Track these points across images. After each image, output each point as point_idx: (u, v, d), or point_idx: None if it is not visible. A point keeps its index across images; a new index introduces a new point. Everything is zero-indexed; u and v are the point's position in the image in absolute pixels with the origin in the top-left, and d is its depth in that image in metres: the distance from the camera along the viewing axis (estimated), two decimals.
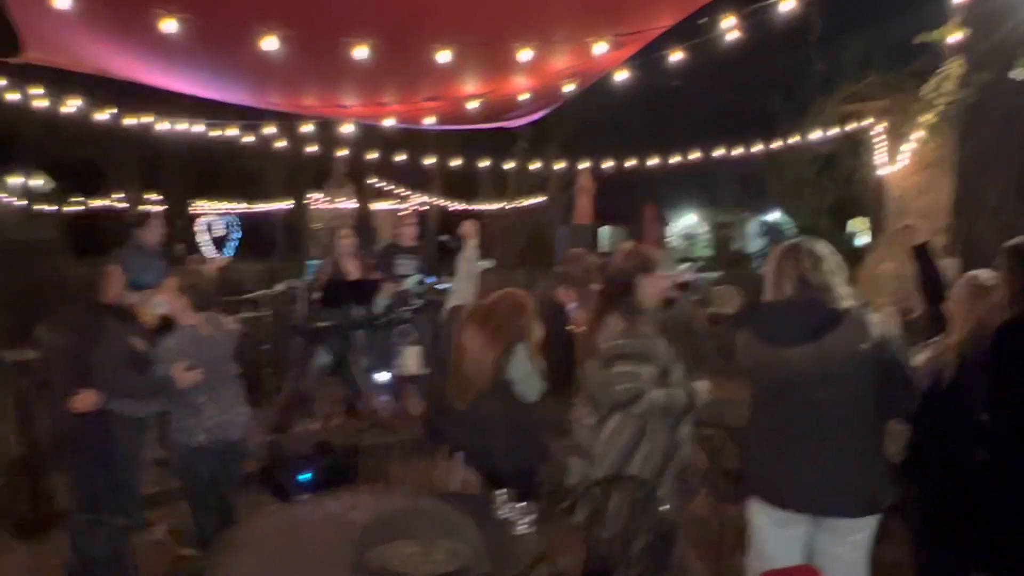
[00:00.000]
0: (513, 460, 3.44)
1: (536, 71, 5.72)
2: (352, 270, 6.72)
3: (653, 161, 11.32)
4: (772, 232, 17.73)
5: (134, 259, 4.92)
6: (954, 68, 5.65)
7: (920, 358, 3.78)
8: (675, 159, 11.42)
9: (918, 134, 7.26)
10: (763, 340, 2.73)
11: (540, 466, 3.43)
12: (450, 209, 19.73)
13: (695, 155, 11.31)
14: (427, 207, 19.73)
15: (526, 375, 3.42)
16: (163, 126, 7.36)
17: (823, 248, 2.77)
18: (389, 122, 6.87)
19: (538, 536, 2.74)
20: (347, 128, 6.83)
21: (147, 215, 5.86)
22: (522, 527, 2.72)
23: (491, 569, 2.42)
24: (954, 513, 3.03)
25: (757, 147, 11.25)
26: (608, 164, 11.02)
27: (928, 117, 6.51)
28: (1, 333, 4.37)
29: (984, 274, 3.28)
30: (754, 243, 17.35)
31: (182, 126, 7.42)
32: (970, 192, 5.09)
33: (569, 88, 6.10)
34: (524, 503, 2.81)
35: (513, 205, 15.38)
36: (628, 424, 3.04)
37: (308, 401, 6.86)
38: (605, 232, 23.97)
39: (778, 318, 2.76)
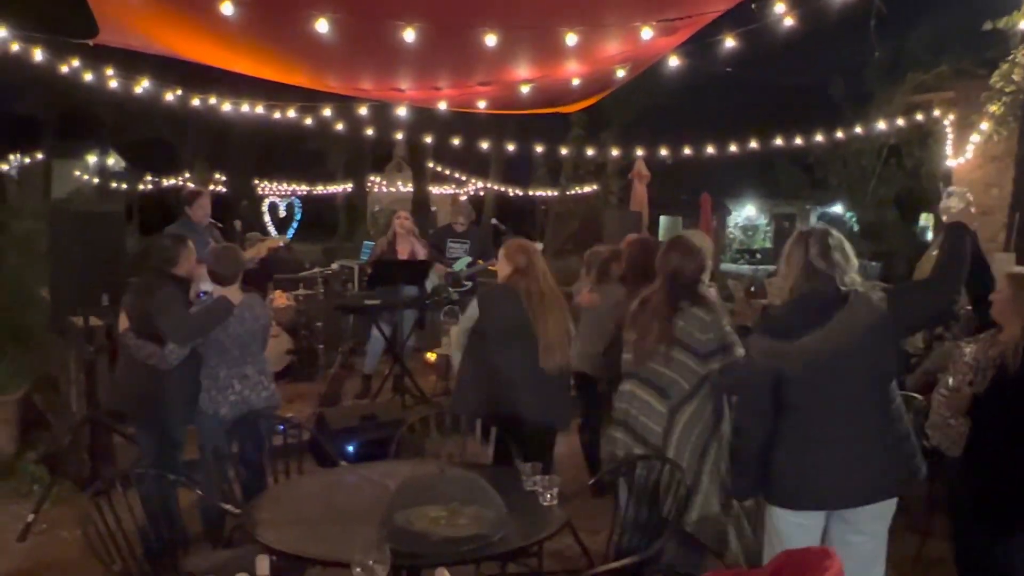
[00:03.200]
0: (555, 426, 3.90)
1: (587, 56, 5.73)
2: (404, 251, 6.87)
3: (710, 149, 11.19)
4: (834, 224, 17.28)
5: (186, 233, 5.16)
6: (1023, 56, 5.46)
7: (969, 350, 3.71)
8: (733, 148, 11.28)
9: (984, 125, 7.03)
10: (772, 338, 2.74)
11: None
12: (508, 194, 19.84)
13: (754, 144, 11.15)
14: (484, 192, 19.88)
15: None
16: (227, 108, 7.62)
17: (832, 235, 2.76)
18: (443, 106, 6.97)
19: (563, 508, 2.81)
20: (402, 111, 6.96)
21: (197, 193, 6.14)
22: (547, 498, 2.79)
23: (515, 536, 2.51)
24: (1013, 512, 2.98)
25: (819, 136, 11.03)
26: (664, 152, 10.93)
27: (995, 107, 6.30)
28: (68, 300, 4.60)
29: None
30: None
31: (245, 107, 7.66)
32: None
33: (621, 73, 6.09)
34: (551, 476, 2.89)
35: (568, 191, 15.42)
36: (701, 415, 3.16)
37: (358, 376, 7.06)
38: (664, 221, 23.75)
39: (785, 313, 2.80)
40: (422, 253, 6.91)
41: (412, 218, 7.19)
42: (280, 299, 7.49)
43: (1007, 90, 5.79)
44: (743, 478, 2.92)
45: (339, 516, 2.82)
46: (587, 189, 15.57)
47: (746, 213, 21.78)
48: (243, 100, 7.66)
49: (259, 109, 7.76)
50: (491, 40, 4.70)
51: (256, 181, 21.39)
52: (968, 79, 8.21)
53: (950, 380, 3.42)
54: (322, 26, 4.22)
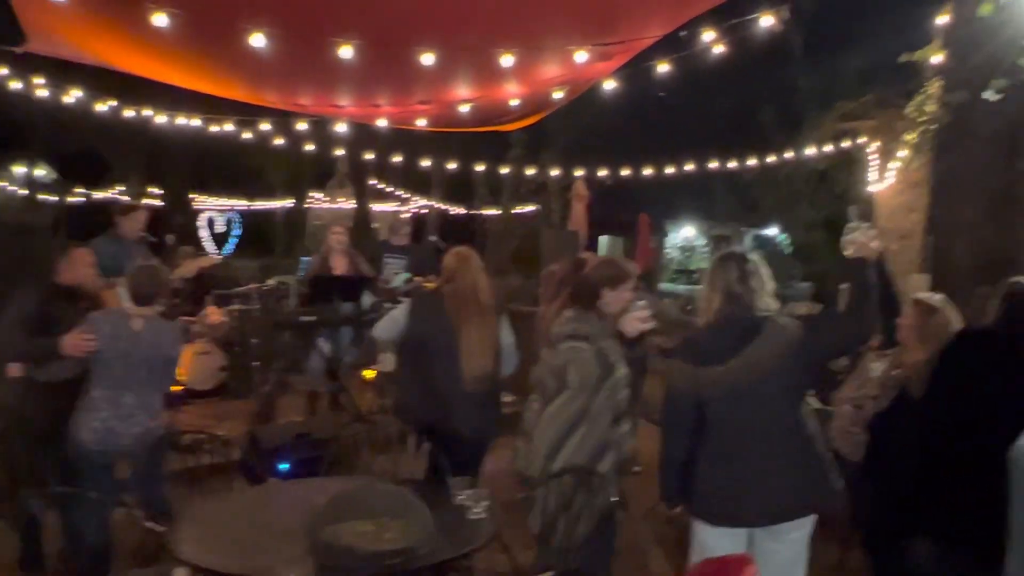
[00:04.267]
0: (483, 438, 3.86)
1: (526, 77, 5.85)
2: (340, 267, 6.82)
3: (648, 171, 11.46)
4: (766, 246, 17.83)
5: (109, 246, 5.04)
6: (935, 88, 5.77)
7: (877, 366, 3.89)
8: (671, 170, 11.56)
9: (903, 153, 7.37)
10: (693, 363, 2.83)
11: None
12: (450, 213, 19.86)
13: (690, 166, 11.46)
14: (427, 210, 19.87)
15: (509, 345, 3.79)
16: (162, 119, 7.50)
17: (750, 260, 2.87)
18: (383, 123, 6.99)
19: (492, 522, 2.83)
20: (342, 127, 6.96)
21: (132, 207, 5.99)
22: (476, 512, 2.82)
23: (442, 549, 2.53)
24: (909, 522, 3.10)
25: (752, 160, 11.39)
26: (604, 172, 11.15)
27: (911, 136, 6.62)
28: None
29: (933, 296, 3.43)
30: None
31: (181, 120, 7.56)
32: (944, 211, 5.19)
33: (559, 95, 6.22)
34: (479, 489, 2.91)
35: (509, 210, 15.57)
36: (570, 406, 3.11)
37: (293, 394, 6.97)
38: (603, 241, 24.05)
39: (704, 340, 2.89)
40: (365, 268, 6.87)
41: (345, 233, 7.12)
42: (214, 315, 7.34)
43: (920, 120, 6.10)
44: (667, 486, 2.98)
45: (264, 532, 2.79)
46: (528, 208, 15.74)
47: (684, 234, 22.22)
48: (179, 113, 7.56)
49: (195, 122, 7.67)
50: (429, 59, 4.76)
51: (192, 195, 20.95)
52: (890, 109, 8.59)
53: (855, 392, 3.61)
54: (258, 40, 4.21)
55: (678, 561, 4.01)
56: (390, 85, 6.11)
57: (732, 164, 11.46)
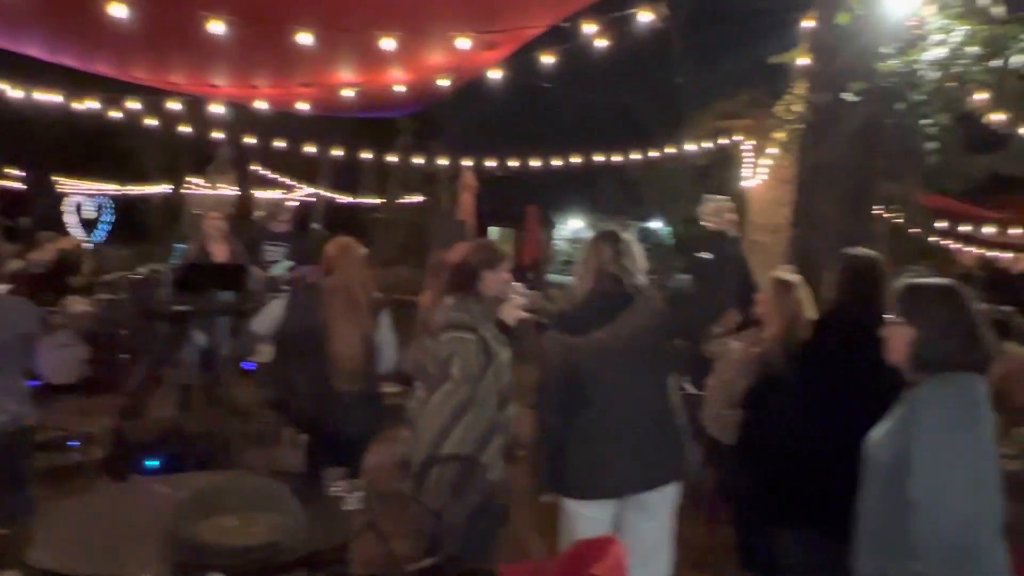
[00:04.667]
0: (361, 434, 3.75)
1: (410, 63, 5.77)
2: (218, 254, 6.54)
3: (536, 163, 11.59)
4: (649, 239, 18.40)
5: None
6: (801, 90, 6.09)
7: (735, 346, 4.08)
8: (558, 162, 11.74)
9: (774, 151, 7.76)
10: (564, 335, 2.90)
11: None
12: (336, 201, 19.42)
13: (576, 159, 11.67)
14: (313, 198, 19.35)
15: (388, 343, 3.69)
16: (18, 94, 6.95)
17: (622, 240, 2.96)
18: (262, 105, 6.75)
19: (367, 512, 2.79)
20: (221, 109, 6.66)
21: None
22: (351, 503, 2.76)
23: (312, 542, 2.46)
24: (779, 497, 3.24)
25: (636, 155, 11.72)
26: (493, 163, 11.18)
27: (780, 135, 6.97)
28: None
29: (788, 273, 3.63)
30: None
31: (40, 95, 7.03)
32: (807, 205, 5.48)
33: (445, 83, 6.18)
34: (354, 480, 2.86)
35: (397, 200, 15.39)
36: (455, 395, 3.10)
37: (165, 388, 6.64)
38: (493, 232, 24.22)
39: (576, 313, 2.96)
40: (244, 256, 6.60)
41: (223, 219, 6.83)
42: (75, 305, 6.89)
43: (788, 119, 6.43)
44: (542, 470, 3.02)
45: (122, 532, 2.64)
46: (416, 198, 15.60)
47: (571, 226, 22.66)
48: (38, 87, 7.02)
49: (56, 98, 7.14)
50: (308, 40, 4.62)
51: (58, 178, 19.58)
52: (763, 108, 9.02)
53: (722, 375, 3.78)
54: (120, 11, 3.96)
55: (557, 545, 4.09)
56: (269, 66, 5.90)
57: (617, 158, 11.76)
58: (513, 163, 11.51)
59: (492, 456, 3.11)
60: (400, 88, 6.28)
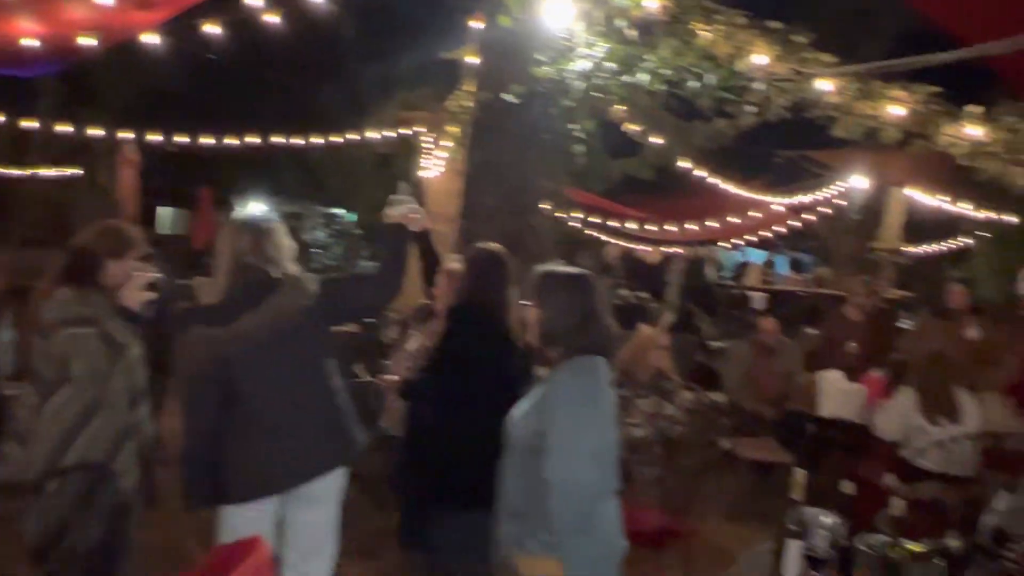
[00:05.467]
0: None
1: (44, 14, 5.00)
2: None
3: (209, 140, 10.78)
4: (334, 224, 18.22)
5: None
6: (471, 87, 6.40)
7: (416, 338, 4.18)
8: (234, 141, 11.04)
9: (449, 144, 8.06)
10: (208, 329, 2.73)
11: None
12: None
13: (254, 139, 11.07)
14: None
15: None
16: None
17: (262, 227, 2.86)
18: None
19: None
20: None
21: None
22: None
23: None
24: (430, 480, 3.33)
25: (318, 139, 11.44)
26: (159, 137, 10.16)
27: (454, 130, 7.26)
28: None
29: (455, 263, 3.78)
30: (315, 235, 17.66)
31: None
32: (474, 198, 5.78)
33: (89, 42, 5.45)
34: None
35: (40, 171, 13.36)
36: (77, 399, 2.76)
37: None
38: (163, 213, 22.22)
39: (217, 305, 2.81)
40: None
41: None
42: None
43: (460, 115, 6.72)
44: (198, 483, 2.80)
45: None
46: (65, 171, 13.68)
47: (252, 209, 21.62)
48: None
49: None
50: None
51: None
52: (441, 101, 9.32)
53: (395, 364, 3.84)
54: None
55: None
56: None
57: (297, 141, 11.37)
58: (183, 138, 10.58)
59: (125, 462, 2.81)
60: (31, 42, 5.41)
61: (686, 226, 11.62)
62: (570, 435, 2.25)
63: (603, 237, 12.29)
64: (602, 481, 2.32)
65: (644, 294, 10.11)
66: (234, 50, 6.20)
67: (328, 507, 2.94)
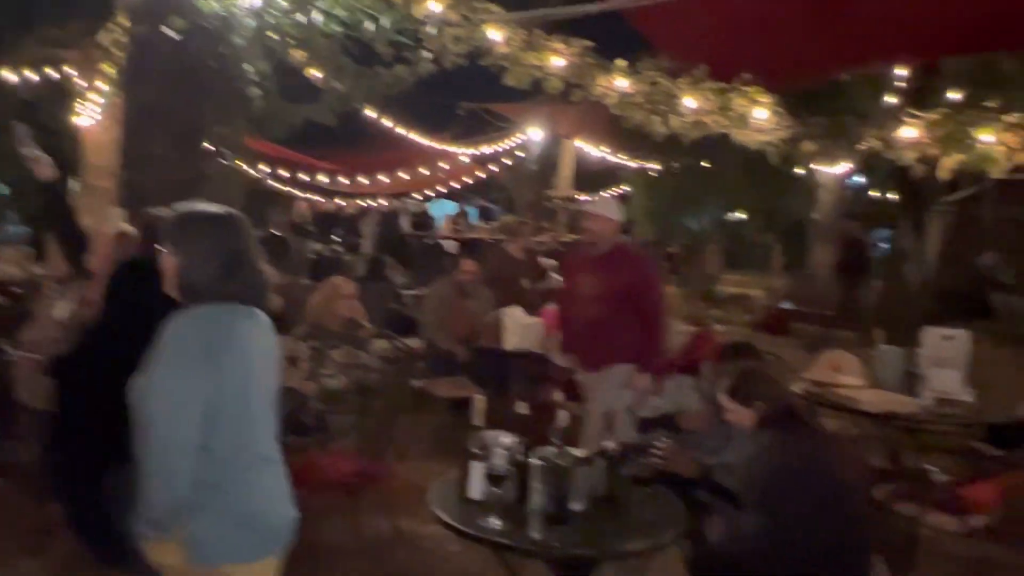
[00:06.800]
0: None
1: None
2: None
3: None
4: None
5: None
6: (125, 19, 5.68)
7: (63, 306, 3.68)
8: None
9: (105, 87, 7.14)
10: None
11: None
12: None
13: None
14: None
15: None
16: None
17: None
18: None
19: None
20: None
21: None
22: None
23: None
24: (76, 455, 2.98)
25: None
26: None
27: (109, 69, 6.44)
28: None
29: (123, 224, 3.39)
30: None
31: None
32: (136, 146, 5.20)
33: None
34: None
35: None
36: None
37: None
38: None
39: None
40: None
41: None
42: None
43: (114, 51, 5.97)
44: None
45: None
46: None
47: None
48: None
49: None
50: None
51: None
52: (92, 36, 8.19)
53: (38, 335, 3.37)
54: None
55: None
56: None
57: None
58: None
59: None
60: None
61: (378, 178, 11.63)
62: (165, 401, 1.94)
63: (294, 192, 11.89)
64: (231, 449, 2.01)
65: (338, 247, 9.99)
66: None
67: None
